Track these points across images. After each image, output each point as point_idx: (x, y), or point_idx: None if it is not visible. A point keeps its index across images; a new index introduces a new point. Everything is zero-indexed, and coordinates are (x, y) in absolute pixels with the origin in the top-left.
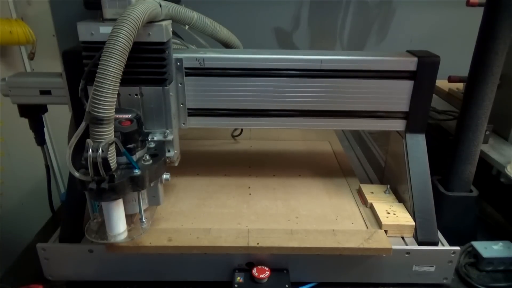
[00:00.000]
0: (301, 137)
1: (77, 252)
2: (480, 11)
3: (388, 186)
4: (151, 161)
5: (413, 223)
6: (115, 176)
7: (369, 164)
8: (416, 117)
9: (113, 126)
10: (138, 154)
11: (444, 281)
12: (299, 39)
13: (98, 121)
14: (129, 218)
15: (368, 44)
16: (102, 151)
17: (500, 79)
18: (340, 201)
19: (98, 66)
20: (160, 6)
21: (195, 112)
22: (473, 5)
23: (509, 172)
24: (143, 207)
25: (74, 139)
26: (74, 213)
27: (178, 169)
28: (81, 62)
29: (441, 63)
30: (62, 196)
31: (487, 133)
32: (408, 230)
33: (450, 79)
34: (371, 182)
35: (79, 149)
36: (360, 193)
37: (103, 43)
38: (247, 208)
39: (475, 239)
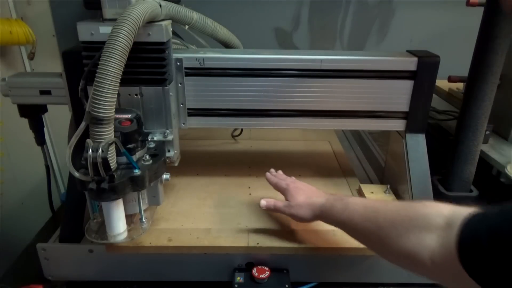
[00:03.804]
0: (301, 137)
1: (77, 252)
2: (480, 11)
3: (388, 186)
4: (151, 161)
5: None
6: (115, 176)
7: (369, 164)
8: (416, 117)
9: (113, 126)
10: (138, 154)
11: None
12: (299, 39)
13: (98, 121)
14: (129, 218)
15: (368, 44)
16: (102, 151)
17: (500, 79)
18: None
19: (98, 66)
20: (160, 6)
21: (195, 112)
22: (473, 5)
23: (509, 172)
24: (143, 207)
25: (74, 139)
26: (74, 213)
27: (178, 169)
28: (81, 62)
29: (441, 63)
30: (62, 196)
31: (487, 133)
32: None
33: (450, 79)
34: (371, 182)
35: (79, 149)
36: (360, 193)
37: (103, 43)
38: (247, 208)
39: None
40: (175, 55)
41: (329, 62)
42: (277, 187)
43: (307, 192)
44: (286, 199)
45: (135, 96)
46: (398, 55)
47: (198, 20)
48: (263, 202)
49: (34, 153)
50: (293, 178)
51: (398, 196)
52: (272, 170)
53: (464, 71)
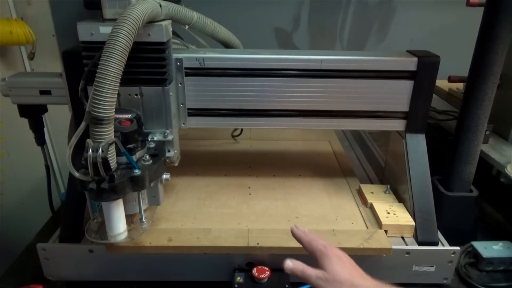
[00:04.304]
0: (301, 137)
1: (77, 252)
2: (480, 11)
3: (388, 186)
4: (151, 161)
5: (413, 223)
6: (115, 176)
7: (369, 164)
8: (416, 117)
9: (113, 126)
10: (138, 154)
11: (444, 281)
12: (299, 39)
13: (98, 121)
14: (129, 218)
15: (368, 44)
16: (102, 151)
17: (500, 79)
18: (340, 201)
19: (98, 66)
20: (160, 6)
21: (195, 112)
22: (473, 5)
23: (509, 172)
24: (143, 207)
25: (74, 139)
26: (74, 213)
27: (178, 169)
28: (81, 62)
29: (441, 63)
30: (62, 196)
31: (487, 133)
32: (408, 230)
33: (450, 79)
34: (371, 182)
35: (79, 149)
36: (360, 193)
37: (103, 43)
38: (247, 208)
39: (475, 239)
40: (175, 55)
41: (329, 62)
42: (310, 247)
43: (349, 268)
44: (321, 266)
45: (135, 96)
46: (398, 55)
47: (198, 20)
48: (289, 264)
49: (34, 153)
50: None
51: (398, 196)
52: (298, 224)
53: (464, 71)
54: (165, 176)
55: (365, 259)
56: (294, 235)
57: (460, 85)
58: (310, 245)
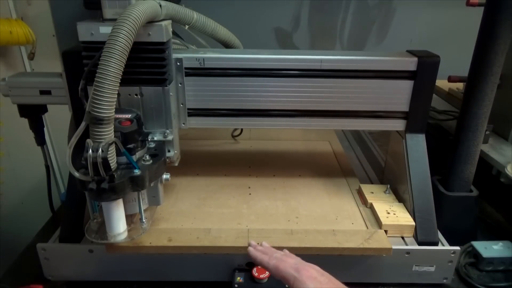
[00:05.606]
0: (301, 137)
1: (77, 252)
2: (480, 11)
3: (388, 186)
4: (151, 161)
5: (413, 223)
6: (115, 176)
7: (369, 164)
8: (416, 117)
9: (113, 126)
10: (138, 154)
11: (444, 281)
12: (299, 39)
13: (98, 121)
14: (129, 218)
15: (368, 44)
16: (102, 151)
17: (500, 79)
18: (340, 201)
19: (98, 66)
20: (160, 6)
21: (195, 112)
22: (473, 5)
23: (509, 172)
24: (143, 207)
25: (74, 139)
26: (74, 213)
27: (178, 169)
28: (81, 62)
29: (441, 63)
30: (62, 196)
31: (487, 133)
32: (408, 230)
33: (450, 79)
34: (371, 182)
35: (79, 149)
36: (360, 193)
37: (103, 43)
38: (247, 208)
39: (475, 239)
40: (175, 55)
41: (329, 62)
42: (280, 273)
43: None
44: None
45: (135, 96)
46: (398, 55)
47: (198, 20)
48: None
49: (34, 153)
50: (294, 257)
51: (398, 196)
52: (253, 242)
53: (464, 71)
54: (165, 176)
55: (365, 259)
56: (255, 259)
57: (460, 85)
58: (279, 270)
